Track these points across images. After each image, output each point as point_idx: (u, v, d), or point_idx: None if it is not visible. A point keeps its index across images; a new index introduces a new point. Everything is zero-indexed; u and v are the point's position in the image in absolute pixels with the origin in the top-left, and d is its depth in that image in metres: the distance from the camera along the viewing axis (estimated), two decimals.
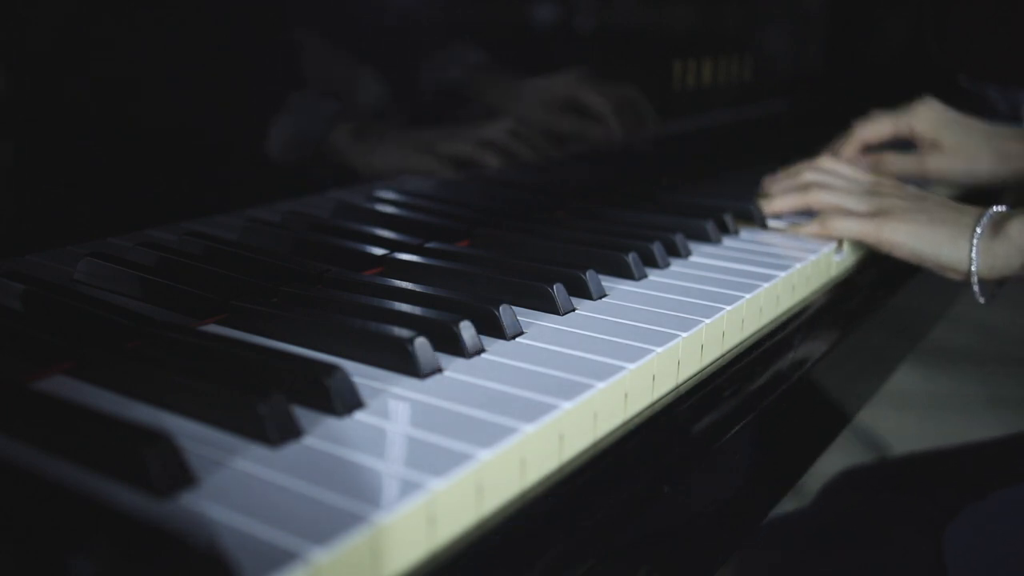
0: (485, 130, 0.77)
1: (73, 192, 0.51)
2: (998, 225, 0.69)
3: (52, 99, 0.49)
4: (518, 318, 0.50)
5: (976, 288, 0.70)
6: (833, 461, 0.89)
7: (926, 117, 0.93)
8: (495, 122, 0.77)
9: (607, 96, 0.87)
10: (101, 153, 0.51)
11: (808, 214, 0.79)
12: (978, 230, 0.69)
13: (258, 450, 0.36)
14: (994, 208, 0.70)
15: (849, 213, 0.74)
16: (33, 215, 0.50)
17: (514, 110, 0.79)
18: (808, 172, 0.80)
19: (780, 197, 0.79)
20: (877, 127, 0.93)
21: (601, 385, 0.43)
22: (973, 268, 0.69)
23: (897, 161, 0.93)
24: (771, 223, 0.78)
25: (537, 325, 0.52)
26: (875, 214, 0.73)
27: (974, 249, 0.68)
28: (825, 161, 0.82)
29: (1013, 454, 0.83)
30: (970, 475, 0.81)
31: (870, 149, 0.96)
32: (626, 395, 0.46)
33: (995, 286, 0.72)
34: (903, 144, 0.96)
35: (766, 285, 0.60)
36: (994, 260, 0.68)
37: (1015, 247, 0.68)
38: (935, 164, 0.93)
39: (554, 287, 0.54)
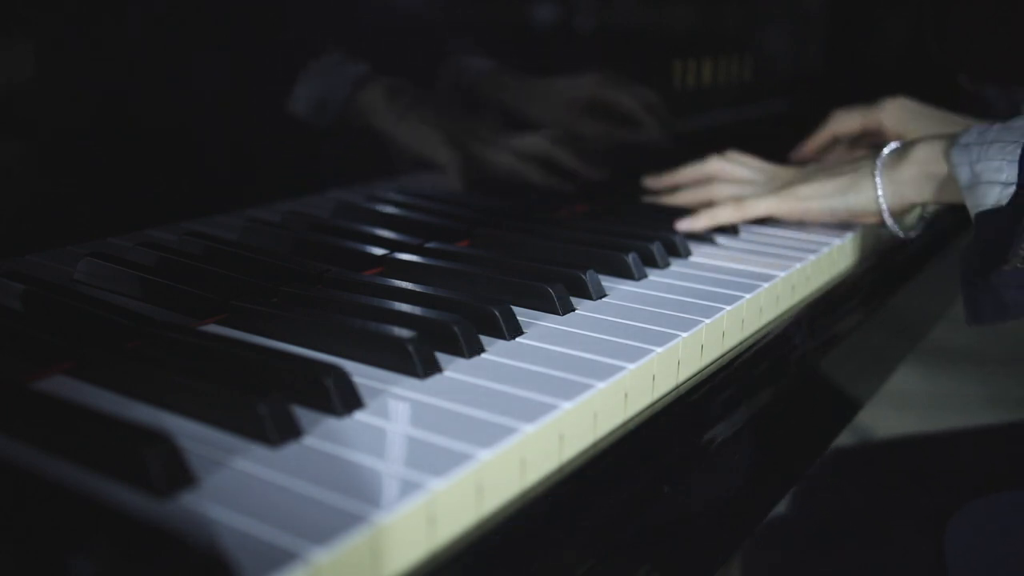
0: (524, 142, 0.77)
1: (73, 192, 0.51)
2: (900, 155, 0.69)
3: (52, 99, 0.49)
4: (518, 318, 0.50)
5: (890, 222, 0.70)
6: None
7: (893, 112, 0.93)
8: (530, 134, 0.77)
9: (634, 95, 0.88)
10: (101, 153, 0.51)
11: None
12: (878, 163, 0.69)
13: (258, 450, 0.36)
14: (893, 144, 0.71)
15: (756, 195, 0.76)
16: (33, 215, 0.50)
17: (540, 113, 0.79)
18: (712, 164, 0.80)
19: (685, 192, 0.80)
20: (847, 121, 0.94)
21: (601, 385, 0.43)
22: (881, 202, 0.69)
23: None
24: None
25: (537, 325, 0.52)
26: (778, 188, 0.75)
27: (878, 183, 0.69)
28: (730, 156, 0.82)
29: (1011, 444, 0.83)
30: (970, 467, 0.81)
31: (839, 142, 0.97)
32: (626, 395, 0.46)
33: (917, 222, 0.72)
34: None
35: (766, 285, 0.60)
36: (900, 187, 0.69)
37: (921, 170, 0.67)
38: None
39: (554, 287, 0.54)
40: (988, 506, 0.71)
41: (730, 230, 0.75)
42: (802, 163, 1.00)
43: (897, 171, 0.69)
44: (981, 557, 0.69)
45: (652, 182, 0.84)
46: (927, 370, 2.22)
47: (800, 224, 0.77)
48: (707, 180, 0.80)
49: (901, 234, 0.72)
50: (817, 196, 0.72)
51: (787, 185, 0.75)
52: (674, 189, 0.83)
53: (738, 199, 0.75)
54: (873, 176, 0.69)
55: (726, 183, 0.78)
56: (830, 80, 1.28)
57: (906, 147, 0.70)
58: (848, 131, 0.94)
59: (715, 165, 0.80)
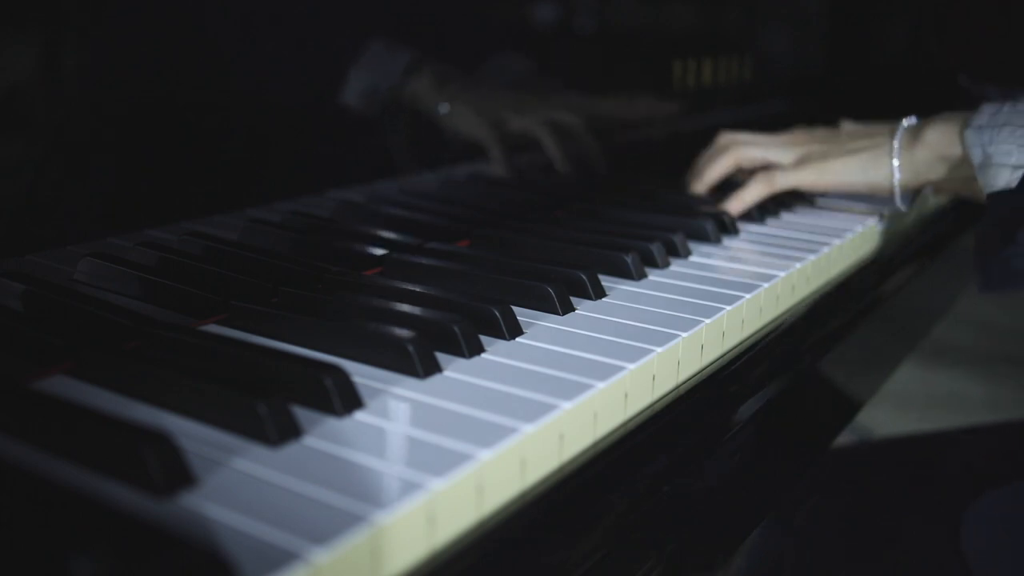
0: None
1: (73, 192, 0.51)
2: (914, 135, 0.74)
3: (51, 99, 0.49)
4: (518, 318, 0.50)
5: (898, 200, 0.76)
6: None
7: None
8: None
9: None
10: (101, 153, 0.51)
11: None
12: (895, 144, 0.74)
13: (258, 450, 0.36)
14: (904, 122, 0.75)
15: (781, 166, 0.79)
16: (33, 215, 0.50)
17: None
18: (722, 139, 0.84)
19: (708, 167, 0.83)
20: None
21: (601, 385, 0.43)
22: (895, 181, 0.74)
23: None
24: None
25: (537, 325, 0.52)
26: (803, 161, 0.78)
27: (896, 164, 0.74)
28: (726, 135, 0.85)
29: (1015, 439, 0.83)
30: (973, 465, 0.81)
31: None
32: (626, 395, 0.46)
33: (916, 194, 0.78)
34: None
35: (766, 285, 0.60)
36: (916, 167, 0.74)
37: (934, 154, 0.72)
38: None
39: (554, 287, 0.54)
40: (1004, 497, 0.71)
41: (731, 229, 0.75)
42: None
43: (912, 153, 0.73)
44: (1002, 548, 0.69)
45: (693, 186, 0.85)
46: (927, 370, 2.22)
47: (801, 224, 0.77)
48: (727, 155, 0.82)
49: (902, 208, 0.77)
50: (841, 174, 0.76)
51: (809, 159, 0.78)
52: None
53: (768, 174, 0.77)
54: (891, 157, 0.74)
55: (747, 146, 0.81)
56: (830, 80, 1.28)
57: (921, 128, 0.74)
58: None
59: (727, 137, 0.83)
